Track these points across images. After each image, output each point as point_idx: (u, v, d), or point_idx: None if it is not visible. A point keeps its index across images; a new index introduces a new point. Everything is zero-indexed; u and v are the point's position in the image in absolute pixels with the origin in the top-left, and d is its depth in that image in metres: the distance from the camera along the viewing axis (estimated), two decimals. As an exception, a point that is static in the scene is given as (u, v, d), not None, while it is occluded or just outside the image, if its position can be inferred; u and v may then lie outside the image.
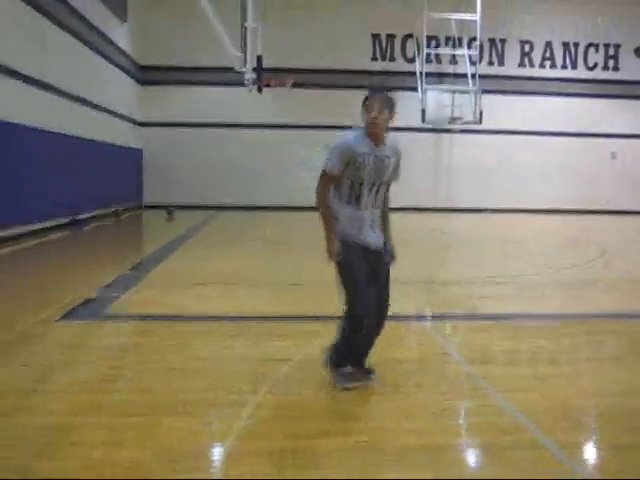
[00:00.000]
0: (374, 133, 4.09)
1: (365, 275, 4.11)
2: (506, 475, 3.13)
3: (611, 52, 24.95)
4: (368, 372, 4.36)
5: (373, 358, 4.41)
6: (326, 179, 4.12)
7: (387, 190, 4.32)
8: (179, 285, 8.25)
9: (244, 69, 15.97)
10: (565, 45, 24.80)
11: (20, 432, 3.52)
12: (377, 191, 4.18)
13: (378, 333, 4.29)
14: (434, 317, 6.82)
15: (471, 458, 3.44)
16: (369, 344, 4.29)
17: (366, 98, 4.12)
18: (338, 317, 4.21)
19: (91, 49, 16.96)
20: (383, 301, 4.23)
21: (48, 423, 3.65)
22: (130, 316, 6.57)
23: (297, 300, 7.44)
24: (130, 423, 3.67)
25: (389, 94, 4.15)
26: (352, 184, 4.09)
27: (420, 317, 6.83)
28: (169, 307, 6.94)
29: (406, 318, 6.42)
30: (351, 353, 4.30)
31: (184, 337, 5.64)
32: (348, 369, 4.32)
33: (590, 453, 3.47)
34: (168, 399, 4.05)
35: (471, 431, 3.78)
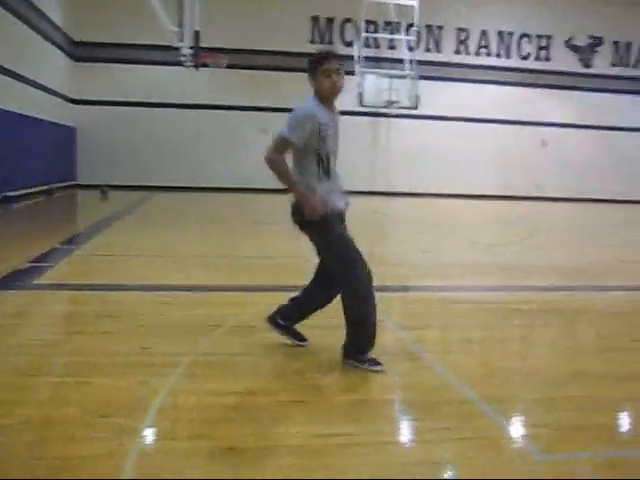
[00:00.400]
0: (332, 100, 3.95)
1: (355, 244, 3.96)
2: (434, 425, 3.24)
3: (543, 43, 25.60)
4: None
5: (305, 324, 4.46)
6: (282, 145, 3.85)
7: None
8: (112, 257, 8.16)
9: (181, 44, 15.73)
10: (500, 34, 25.30)
11: None
12: (335, 159, 4.08)
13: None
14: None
15: (400, 412, 3.53)
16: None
17: (316, 61, 3.88)
18: (342, 299, 4.07)
19: (21, 20, 16.40)
20: None
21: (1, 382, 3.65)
22: (61, 285, 6.46)
23: (231, 273, 7.44)
24: (67, 383, 3.67)
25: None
26: (320, 158, 3.90)
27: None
28: (102, 278, 6.86)
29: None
30: (370, 333, 3.98)
31: (118, 306, 5.59)
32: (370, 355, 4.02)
33: (514, 406, 3.61)
34: (104, 360, 4.04)
35: (402, 389, 3.88)
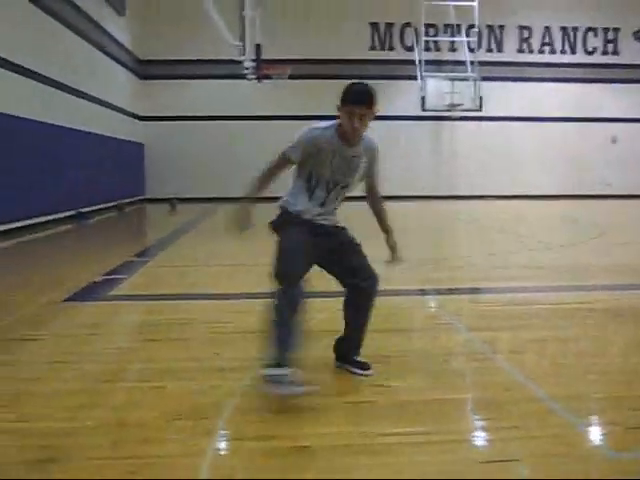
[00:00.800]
0: (348, 138, 3.68)
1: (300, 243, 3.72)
2: (503, 424, 3.21)
3: (610, 36, 24.94)
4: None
5: (373, 327, 4.48)
6: (278, 161, 3.76)
7: (374, 187, 3.99)
8: (183, 268, 8.37)
9: (243, 57, 16.03)
10: (564, 30, 24.81)
11: (54, 397, 3.64)
12: (338, 192, 3.82)
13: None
14: (439, 292, 6.87)
15: (469, 411, 3.51)
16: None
17: (344, 95, 3.60)
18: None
19: (89, 43, 17.02)
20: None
21: (78, 388, 3.80)
22: (135, 296, 6.66)
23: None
24: (140, 388, 3.79)
25: (371, 90, 3.61)
26: (310, 175, 3.75)
27: (424, 292, 6.89)
28: (173, 288, 7.05)
29: (408, 292, 6.49)
30: (273, 347, 3.48)
31: (189, 314, 5.73)
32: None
33: (583, 405, 3.54)
34: (177, 366, 4.15)
35: (471, 389, 3.86)
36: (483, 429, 3.25)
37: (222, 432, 3.15)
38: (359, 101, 3.57)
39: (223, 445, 3.07)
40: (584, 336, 4.99)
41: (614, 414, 3.41)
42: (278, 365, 3.40)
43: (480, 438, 3.16)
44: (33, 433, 3.14)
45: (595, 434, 3.20)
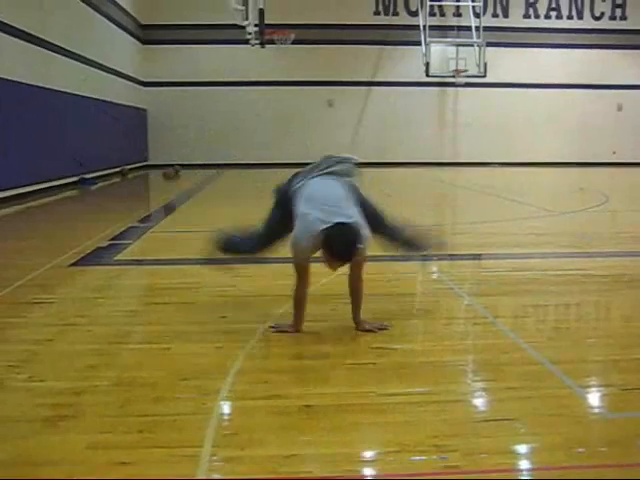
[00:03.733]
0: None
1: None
2: (503, 385, 3.31)
3: (618, 1, 24.61)
4: None
5: (375, 292, 4.55)
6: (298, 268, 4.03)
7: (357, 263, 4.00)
8: (188, 234, 8.43)
9: (246, 22, 15.91)
10: (571, -6, 24.50)
11: (64, 358, 3.76)
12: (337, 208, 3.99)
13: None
14: (441, 258, 6.92)
15: (470, 372, 3.60)
16: None
17: (331, 247, 3.75)
18: None
19: (90, 6, 16.86)
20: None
21: (88, 349, 3.91)
22: (141, 260, 6.75)
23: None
24: (150, 349, 3.91)
25: (356, 242, 3.76)
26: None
27: (425, 257, 6.94)
28: (179, 253, 7.10)
29: (409, 258, 6.55)
30: None
31: (196, 278, 5.79)
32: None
33: (581, 367, 3.63)
34: (184, 328, 4.24)
35: (471, 351, 3.95)
36: (481, 390, 3.33)
37: (228, 392, 3.24)
38: (344, 258, 3.82)
39: (229, 404, 3.16)
40: (585, 302, 5.07)
41: (611, 376, 3.51)
42: None
43: (478, 398, 3.25)
44: (45, 392, 3.23)
45: (591, 396, 3.28)
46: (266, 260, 6.41)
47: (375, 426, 2.87)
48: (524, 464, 2.64)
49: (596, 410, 3.12)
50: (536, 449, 2.69)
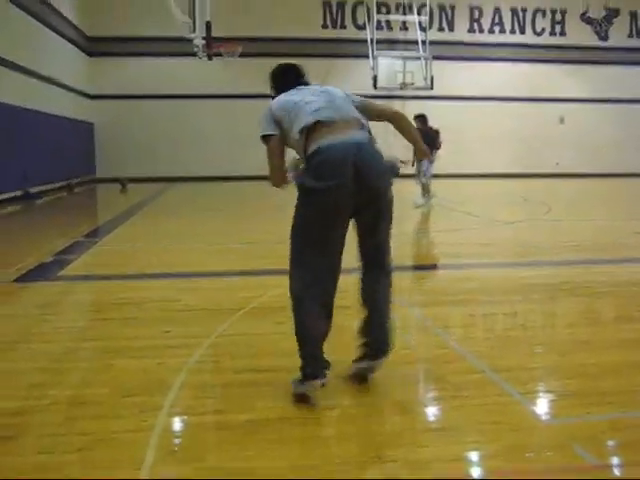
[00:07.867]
0: None
1: None
2: (443, 394, 3.36)
3: (558, 17, 25.35)
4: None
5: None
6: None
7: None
8: (133, 248, 8.35)
9: (193, 35, 15.85)
10: (513, 11, 25.11)
11: (7, 377, 3.71)
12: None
13: None
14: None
15: (411, 382, 3.65)
16: None
17: None
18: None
19: (35, 18, 16.57)
20: None
21: (31, 367, 3.86)
22: (85, 276, 6.65)
23: (249, 258, 7.58)
24: (93, 367, 3.87)
25: None
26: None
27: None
28: (124, 268, 7.04)
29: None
30: (305, 351, 3.41)
31: (140, 293, 5.75)
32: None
33: (521, 375, 3.71)
34: (128, 344, 4.20)
35: (412, 361, 4.00)
36: (423, 399, 3.39)
37: (169, 408, 3.22)
38: None
39: (172, 420, 3.14)
40: (528, 310, 5.19)
41: (550, 383, 3.61)
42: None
43: (420, 408, 3.30)
44: (-16, 413, 3.17)
45: (531, 402, 3.36)
46: (211, 273, 6.40)
47: (318, 439, 2.89)
48: (466, 473, 2.68)
49: (536, 416, 3.19)
50: (478, 457, 2.75)
